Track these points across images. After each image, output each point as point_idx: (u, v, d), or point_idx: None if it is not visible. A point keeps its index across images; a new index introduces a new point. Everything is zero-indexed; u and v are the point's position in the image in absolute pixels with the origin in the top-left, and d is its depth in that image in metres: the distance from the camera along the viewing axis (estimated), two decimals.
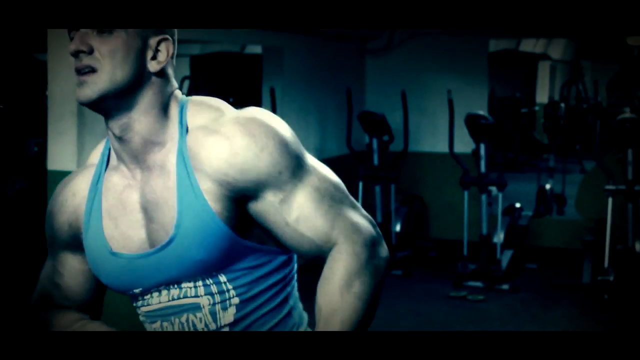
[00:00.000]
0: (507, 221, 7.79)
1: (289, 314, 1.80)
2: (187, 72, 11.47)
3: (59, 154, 5.12)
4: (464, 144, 7.97)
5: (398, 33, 9.03)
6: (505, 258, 7.46)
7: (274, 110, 7.44)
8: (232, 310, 1.72)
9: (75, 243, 1.81)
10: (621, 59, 15.87)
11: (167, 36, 1.69)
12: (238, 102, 8.92)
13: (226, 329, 1.73)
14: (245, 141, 1.63)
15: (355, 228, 1.68)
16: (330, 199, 1.67)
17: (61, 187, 1.83)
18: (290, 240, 1.68)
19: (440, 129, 8.58)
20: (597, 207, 7.80)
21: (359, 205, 1.74)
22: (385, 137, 7.95)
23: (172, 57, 1.71)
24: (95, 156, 1.82)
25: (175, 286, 1.72)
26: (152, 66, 1.67)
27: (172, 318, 1.75)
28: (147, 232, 1.71)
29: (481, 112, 7.54)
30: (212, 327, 1.73)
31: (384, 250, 1.72)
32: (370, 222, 1.72)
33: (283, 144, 1.65)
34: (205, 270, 1.69)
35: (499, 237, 7.42)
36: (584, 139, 14.10)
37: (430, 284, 7.40)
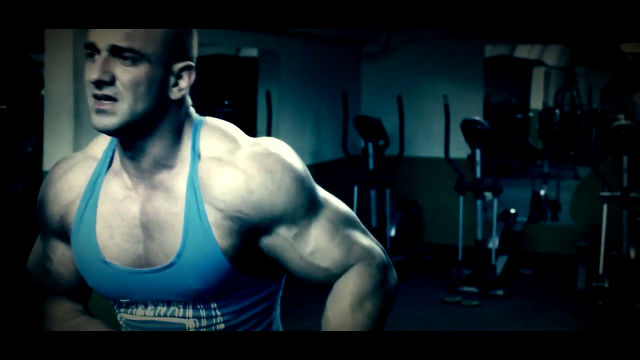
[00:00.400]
0: (502, 227, 7.80)
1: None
2: None
3: (55, 154, 5.10)
4: (459, 149, 7.97)
5: (394, 37, 9.03)
6: (500, 264, 7.46)
7: (269, 114, 7.44)
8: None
9: (64, 234, 1.77)
10: (615, 65, 15.90)
11: (191, 63, 1.65)
12: (233, 105, 8.92)
13: None
14: (261, 178, 1.61)
15: (369, 252, 1.70)
16: (343, 228, 1.68)
17: (58, 175, 1.78)
18: (305, 272, 1.69)
19: (435, 134, 8.59)
20: (591, 213, 7.80)
21: (368, 231, 1.75)
22: (381, 142, 7.95)
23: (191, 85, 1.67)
24: (97, 149, 1.77)
25: (164, 304, 1.71)
26: (174, 94, 1.63)
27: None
28: (144, 249, 1.68)
29: (477, 118, 7.54)
30: None
31: (394, 276, 1.74)
32: (381, 248, 1.74)
33: (299, 180, 1.64)
34: (198, 298, 1.68)
35: (494, 243, 7.42)
36: (577, 145, 14.14)
37: (425, 289, 7.39)
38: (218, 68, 12.09)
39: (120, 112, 1.57)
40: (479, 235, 7.44)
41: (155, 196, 1.66)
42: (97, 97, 1.58)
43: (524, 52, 14.40)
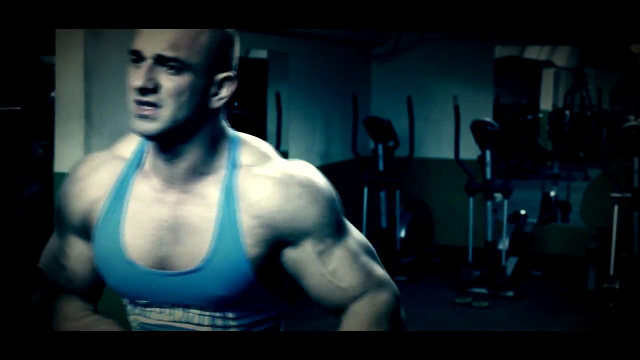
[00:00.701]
0: (512, 228, 7.79)
1: None
2: None
3: (66, 156, 5.11)
4: (469, 150, 7.96)
5: (404, 39, 9.02)
6: (510, 265, 7.44)
7: (279, 115, 7.44)
8: None
9: (86, 231, 1.78)
10: (625, 66, 15.87)
11: (232, 74, 1.69)
12: (243, 107, 8.92)
13: None
14: (299, 190, 1.67)
15: (387, 281, 1.77)
16: (364, 256, 1.74)
17: (83, 172, 1.79)
18: (322, 290, 1.72)
19: (445, 135, 8.57)
20: (601, 214, 7.78)
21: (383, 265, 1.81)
22: (391, 143, 7.95)
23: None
24: (126, 150, 1.78)
25: (182, 309, 1.73)
26: (214, 103, 1.67)
27: None
28: (168, 252, 1.70)
29: (487, 119, 7.53)
30: None
31: (404, 312, 1.81)
32: (394, 283, 1.80)
33: (331, 200, 1.71)
34: (219, 305, 1.71)
35: (504, 244, 7.41)
36: (588, 147, 14.10)
37: (435, 290, 7.39)
38: None
39: (162, 118, 1.61)
40: (489, 237, 7.43)
41: (187, 201, 1.69)
42: (140, 103, 1.62)
43: (533, 53, 14.38)
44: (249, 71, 11.95)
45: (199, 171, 1.69)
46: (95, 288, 1.86)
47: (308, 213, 1.67)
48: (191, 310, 1.73)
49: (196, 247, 1.67)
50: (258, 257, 1.67)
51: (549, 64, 16.29)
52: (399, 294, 1.78)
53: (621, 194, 7.00)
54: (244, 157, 1.70)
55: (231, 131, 1.75)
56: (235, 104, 9.50)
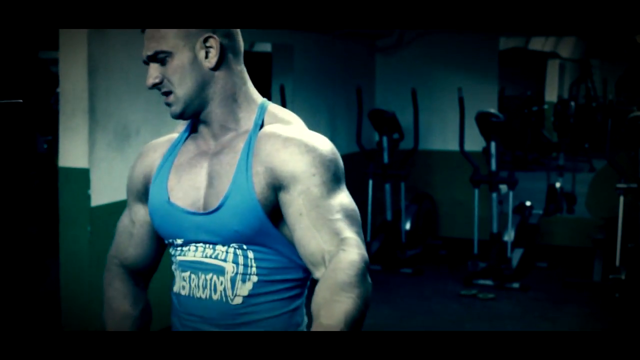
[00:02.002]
0: (518, 219, 7.78)
1: (296, 310, 2.04)
2: None
3: (70, 150, 5.12)
4: (474, 142, 7.95)
5: (408, 31, 9.01)
6: (516, 256, 7.44)
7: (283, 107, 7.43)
8: (249, 285, 1.98)
9: (146, 194, 2.12)
10: (630, 57, 15.82)
11: (209, 33, 1.97)
12: None
13: (239, 300, 1.98)
14: (299, 145, 1.94)
15: (357, 243, 1.89)
16: (346, 217, 1.92)
17: (146, 148, 2.17)
18: (301, 236, 1.91)
19: (450, 127, 8.57)
20: (607, 205, 7.77)
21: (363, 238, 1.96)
22: (396, 135, 7.94)
23: (229, 52, 2.00)
24: (182, 126, 2.14)
25: (211, 246, 2.00)
26: (209, 63, 1.98)
27: (199, 273, 2.01)
28: (204, 195, 2.00)
29: (492, 110, 7.52)
30: (229, 293, 1.98)
31: (369, 277, 1.88)
32: (364, 248, 1.92)
33: (324, 158, 1.94)
34: (237, 240, 1.96)
35: (510, 236, 7.40)
36: (593, 138, 14.08)
37: (440, 282, 7.39)
38: None
39: (177, 99, 1.99)
40: (495, 228, 7.43)
41: (220, 152, 2.01)
42: (163, 94, 2.00)
43: (538, 44, 14.35)
44: (253, 64, 11.94)
45: (228, 127, 2.02)
46: (155, 256, 2.20)
47: (299, 161, 1.92)
48: (218, 248, 1.99)
49: (220, 188, 1.98)
50: (265, 198, 1.94)
51: (554, 55, 16.26)
52: (367, 259, 1.88)
53: (627, 185, 6.98)
54: (268, 119, 2.02)
55: (261, 98, 2.06)
56: None
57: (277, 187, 1.94)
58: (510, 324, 6.24)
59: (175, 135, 2.13)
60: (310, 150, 1.93)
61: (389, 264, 7.77)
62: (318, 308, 1.79)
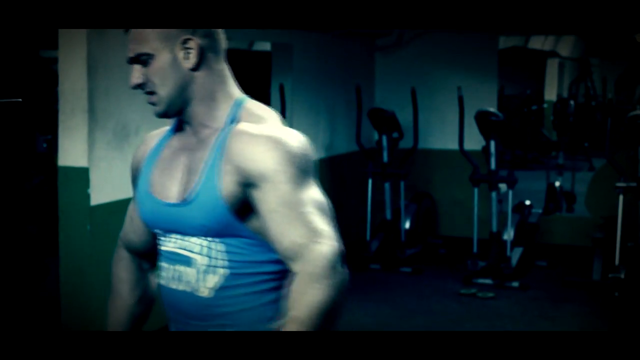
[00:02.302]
0: (517, 218, 7.77)
1: (270, 303, 2.04)
2: None
3: (70, 150, 5.12)
4: (473, 141, 7.95)
5: (408, 30, 9.00)
6: (515, 255, 7.44)
7: (283, 107, 7.44)
8: (218, 278, 2.03)
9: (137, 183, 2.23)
10: (629, 56, 15.82)
11: (189, 35, 2.03)
12: None
13: (208, 292, 2.03)
14: (267, 143, 1.98)
15: (327, 235, 1.95)
16: (313, 210, 1.97)
17: (144, 138, 2.29)
18: (273, 231, 1.96)
19: (449, 126, 8.56)
20: (607, 204, 7.77)
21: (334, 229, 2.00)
22: (395, 134, 7.93)
23: (208, 52, 2.06)
24: (172, 121, 2.23)
25: (185, 238, 2.07)
26: (188, 64, 2.05)
27: (173, 264, 2.09)
28: (178, 188, 2.09)
29: (491, 109, 7.51)
30: (198, 285, 2.04)
31: (346, 269, 1.95)
32: (341, 244, 1.97)
33: (292, 154, 1.98)
34: (205, 233, 2.03)
35: (509, 235, 7.40)
36: (592, 136, 14.07)
37: (440, 282, 7.39)
38: (231, 62, 12.10)
39: (160, 99, 2.06)
40: (494, 227, 7.43)
41: (197, 148, 2.08)
42: (146, 94, 2.08)
43: (538, 43, 14.34)
44: (253, 63, 11.94)
45: (207, 124, 2.08)
46: (153, 242, 2.25)
47: (267, 159, 1.95)
48: (190, 239, 2.06)
49: (192, 182, 2.05)
50: (231, 194, 1.99)
51: (553, 54, 16.25)
52: (341, 250, 1.94)
53: (626, 184, 6.98)
54: (242, 116, 2.07)
55: (239, 95, 2.12)
56: None
57: (247, 185, 1.98)
58: (510, 323, 6.24)
59: (165, 131, 2.23)
60: (278, 146, 1.97)
61: (388, 263, 7.77)
62: (291, 301, 1.86)
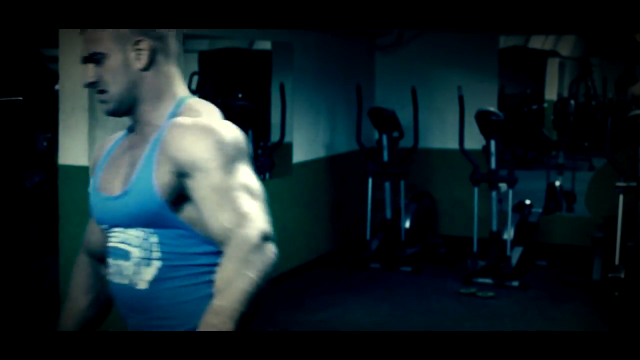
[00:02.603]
0: (517, 218, 7.77)
1: (208, 297, 2.00)
2: (195, 68, 11.47)
3: (70, 148, 5.12)
4: (474, 141, 7.95)
5: (408, 29, 9.00)
6: (515, 255, 7.44)
7: (283, 106, 7.43)
8: (152, 270, 2.10)
9: None
10: (630, 56, 15.81)
11: (141, 37, 2.12)
12: (247, 98, 8.91)
13: (145, 285, 2.10)
14: (194, 131, 2.06)
15: (258, 220, 1.99)
16: (247, 194, 2.02)
17: (102, 143, 2.36)
18: (206, 218, 2.02)
19: (450, 126, 8.56)
20: (607, 204, 7.77)
21: (264, 209, 2.05)
22: (395, 134, 7.93)
23: (159, 54, 2.15)
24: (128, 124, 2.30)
25: (124, 231, 2.15)
26: (139, 64, 2.13)
27: (116, 259, 2.16)
28: (121, 183, 2.15)
29: (491, 109, 7.51)
30: (133, 280, 2.11)
31: (274, 248, 1.99)
32: (269, 225, 2.02)
33: (222, 141, 2.04)
34: (140, 223, 2.10)
35: (509, 234, 7.40)
36: (593, 136, 14.06)
37: (440, 281, 7.39)
38: (231, 61, 12.09)
39: (110, 98, 2.15)
40: (494, 227, 7.43)
41: (141, 144, 2.16)
42: (97, 92, 2.16)
43: (538, 42, 14.34)
44: (253, 62, 11.92)
45: (150, 122, 2.17)
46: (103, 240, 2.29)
47: (197, 148, 2.02)
48: (129, 231, 2.13)
49: (130, 177, 2.12)
50: (165, 184, 2.06)
51: (553, 53, 16.24)
52: (266, 232, 1.98)
53: (626, 184, 6.98)
54: (182, 112, 2.14)
55: (183, 94, 2.20)
56: (239, 95, 9.50)
57: (180, 174, 2.05)
58: (510, 322, 6.24)
59: (122, 132, 2.32)
60: (207, 135, 2.03)
61: (388, 262, 7.77)
62: (216, 288, 1.91)
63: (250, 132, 8.19)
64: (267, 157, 7.85)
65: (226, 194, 2.00)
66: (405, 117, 8.18)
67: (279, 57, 7.91)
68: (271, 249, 1.97)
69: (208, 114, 2.15)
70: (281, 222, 7.21)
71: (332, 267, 7.85)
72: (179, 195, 2.07)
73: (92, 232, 2.36)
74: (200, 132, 2.05)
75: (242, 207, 1.99)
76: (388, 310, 6.52)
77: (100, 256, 2.34)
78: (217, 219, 2.00)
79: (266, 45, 8.95)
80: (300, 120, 7.78)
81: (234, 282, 1.89)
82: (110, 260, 2.19)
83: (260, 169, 7.89)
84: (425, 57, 9.09)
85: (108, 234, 2.21)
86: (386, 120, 7.86)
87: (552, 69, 17.45)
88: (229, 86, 11.29)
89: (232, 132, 2.08)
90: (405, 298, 6.86)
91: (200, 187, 2.02)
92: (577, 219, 9.04)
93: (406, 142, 8.02)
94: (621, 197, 7.00)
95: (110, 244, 2.20)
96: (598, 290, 6.96)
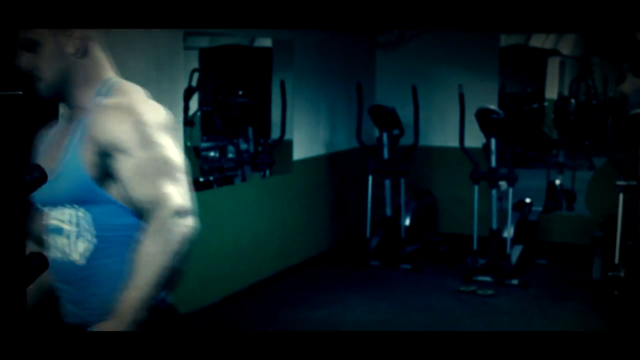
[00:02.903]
0: (517, 216, 7.77)
1: None
2: (196, 65, 11.47)
3: None
4: (474, 139, 7.94)
5: (408, 29, 8.99)
6: (515, 253, 7.44)
7: (283, 104, 7.43)
8: (84, 245, 2.22)
9: None
10: (630, 55, 15.80)
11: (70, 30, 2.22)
12: (247, 95, 8.91)
13: (80, 259, 2.21)
14: (115, 111, 2.16)
15: (173, 195, 2.09)
16: (165, 172, 2.12)
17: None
18: (130, 195, 2.14)
19: (450, 124, 8.56)
20: (607, 203, 7.77)
21: (183, 182, 2.17)
22: (396, 131, 7.93)
23: (91, 41, 2.26)
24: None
25: (58, 209, 2.26)
26: (72, 51, 2.23)
27: (52, 235, 2.28)
28: (54, 165, 2.22)
29: (492, 107, 7.51)
30: (69, 254, 2.22)
31: (190, 222, 2.11)
32: (188, 199, 2.14)
33: (139, 124, 2.14)
34: (71, 201, 2.21)
35: (509, 232, 7.40)
36: (593, 135, 14.06)
37: (439, 279, 7.39)
38: (232, 58, 12.08)
39: (44, 83, 2.25)
40: (494, 225, 7.43)
41: (72, 126, 2.26)
42: (34, 79, 2.25)
43: (539, 41, 14.32)
44: (254, 60, 11.92)
45: (82, 106, 2.26)
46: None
47: (117, 129, 2.13)
48: (62, 209, 2.24)
49: (63, 158, 2.22)
50: (91, 164, 2.16)
51: (554, 52, 16.22)
52: (181, 206, 2.10)
53: (626, 182, 6.98)
54: (111, 95, 2.23)
55: (111, 77, 2.30)
56: (240, 92, 9.50)
57: (104, 154, 2.16)
58: (509, 320, 6.24)
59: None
60: (127, 115, 2.14)
61: (388, 259, 7.77)
62: (134, 265, 2.04)
63: (250, 129, 8.19)
64: (268, 154, 7.85)
65: (145, 173, 2.11)
66: (405, 115, 8.17)
67: (280, 54, 7.90)
68: (186, 223, 2.09)
69: (132, 93, 2.24)
70: (281, 220, 7.21)
71: (332, 264, 7.86)
72: (106, 174, 2.18)
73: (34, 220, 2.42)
74: (120, 112, 2.15)
75: (160, 186, 2.10)
76: (388, 308, 6.52)
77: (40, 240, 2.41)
78: (137, 196, 2.13)
79: (267, 42, 8.95)
80: (301, 117, 7.78)
81: (148, 258, 2.03)
82: (47, 237, 2.30)
83: (260, 166, 7.89)
84: (426, 56, 9.09)
85: (44, 214, 2.31)
86: (387, 118, 7.86)
87: (553, 67, 17.44)
88: (230, 83, 11.28)
89: (152, 111, 2.18)
90: (405, 296, 6.86)
91: (121, 167, 2.13)
92: (577, 218, 9.04)
93: (406, 139, 8.02)
94: (621, 196, 7.00)
95: (48, 222, 2.30)
96: (598, 289, 6.96)
